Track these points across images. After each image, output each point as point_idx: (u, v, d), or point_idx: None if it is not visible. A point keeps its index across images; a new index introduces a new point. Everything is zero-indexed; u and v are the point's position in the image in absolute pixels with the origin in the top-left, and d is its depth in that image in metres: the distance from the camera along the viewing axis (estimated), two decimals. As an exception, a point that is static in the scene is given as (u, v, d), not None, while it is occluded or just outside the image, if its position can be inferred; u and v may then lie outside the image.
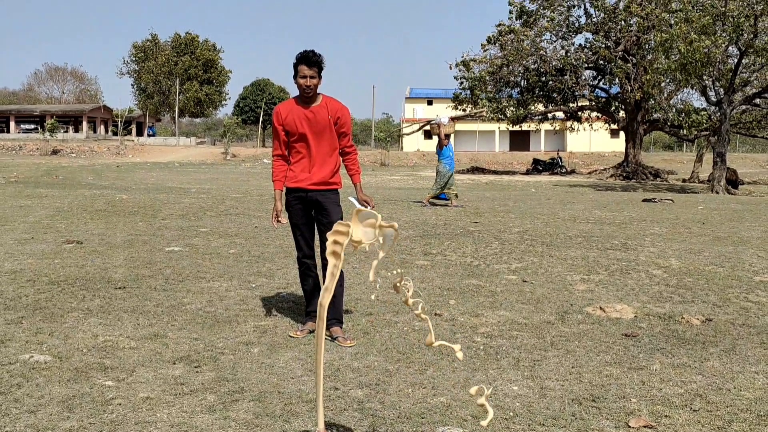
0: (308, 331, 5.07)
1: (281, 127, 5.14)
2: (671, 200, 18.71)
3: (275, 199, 5.25)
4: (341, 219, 5.36)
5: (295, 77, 5.02)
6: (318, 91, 5.10)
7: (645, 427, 3.51)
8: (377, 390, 4.01)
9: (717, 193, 23.32)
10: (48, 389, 3.89)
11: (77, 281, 6.58)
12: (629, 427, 3.51)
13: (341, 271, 5.40)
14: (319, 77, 5.03)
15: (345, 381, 4.14)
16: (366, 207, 5.42)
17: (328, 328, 4.95)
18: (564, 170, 39.23)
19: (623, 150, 37.89)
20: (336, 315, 5.09)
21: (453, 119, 18.96)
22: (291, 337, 4.99)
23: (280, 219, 5.25)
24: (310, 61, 4.95)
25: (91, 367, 4.28)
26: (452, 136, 15.19)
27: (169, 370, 4.28)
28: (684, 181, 32.60)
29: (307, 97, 5.05)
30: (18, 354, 4.47)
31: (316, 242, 5.25)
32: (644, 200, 18.74)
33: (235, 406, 3.73)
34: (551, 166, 39.55)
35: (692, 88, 27.75)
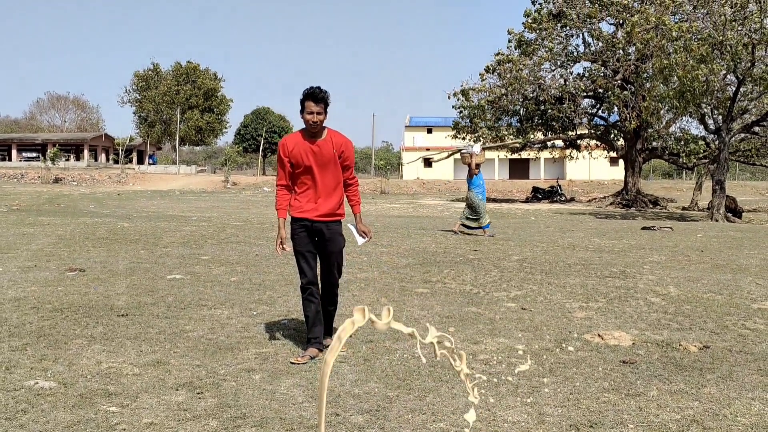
0: (309, 357, 5.13)
1: (287, 159, 5.26)
2: (670, 228, 18.79)
3: (279, 227, 5.36)
4: (343, 247, 5.48)
5: (302, 112, 5.15)
6: (323, 124, 5.24)
7: (642, 452, 3.56)
8: (377, 416, 4.06)
9: (716, 221, 23.41)
10: (53, 415, 3.95)
11: (80, 308, 6.64)
12: (626, 452, 3.56)
13: (336, 295, 5.58)
14: (325, 113, 5.16)
15: (345, 407, 4.19)
16: (364, 237, 5.57)
17: (321, 343, 5.35)
18: (563, 198, 39.38)
19: (622, 178, 38.08)
20: (327, 330, 5.54)
21: (484, 148, 18.79)
22: (292, 363, 5.05)
23: (284, 246, 5.33)
24: (317, 97, 5.10)
25: (95, 393, 4.33)
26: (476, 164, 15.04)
27: (172, 396, 4.33)
28: (683, 209, 32.73)
29: (313, 132, 5.19)
30: (23, 380, 4.52)
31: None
32: (643, 228, 18.82)
33: (238, 431, 3.78)
34: (551, 194, 39.70)
35: (690, 116, 27.99)
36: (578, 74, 36.07)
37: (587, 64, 36.19)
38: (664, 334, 6.13)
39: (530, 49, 34.98)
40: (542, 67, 35.05)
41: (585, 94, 35.64)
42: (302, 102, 5.14)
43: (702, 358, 5.35)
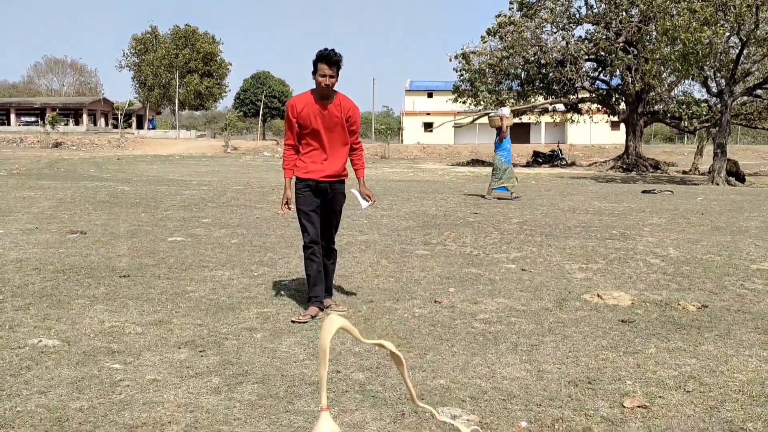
0: (310, 316, 5.16)
1: (295, 120, 5.26)
2: (671, 191, 18.79)
3: (285, 187, 5.37)
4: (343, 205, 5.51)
5: (314, 74, 5.13)
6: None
7: (639, 407, 3.60)
8: (378, 373, 4.10)
9: (717, 184, 23.40)
10: (57, 372, 3.99)
11: (82, 270, 6.68)
12: (624, 407, 3.61)
13: (335, 250, 5.60)
14: (337, 76, 5.14)
15: (346, 365, 4.24)
16: (368, 201, 5.57)
17: (322, 302, 5.39)
18: (564, 162, 39.31)
19: (623, 142, 37.95)
20: (328, 289, 5.55)
21: (512, 112, 18.53)
22: (293, 322, 5.09)
23: (290, 206, 5.36)
24: (330, 60, 5.07)
25: (98, 351, 4.38)
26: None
27: (175, 354, 4.37)
28: (684, 173, 32.69)
29: (324, 94, 5.17)
30: (27, 338, 4.56)
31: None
32: (644, 191, 18.82)
33: (240, 388, 3.83)
34: (551, 159, 39.62)
35: (693, 79, 27.81)
36: (580, 37, 35.76)
37: (589, 26, 35.86)
38: (663, 294, 6.16)
39: (532, 11, 34.62)
40: (544, 29, 34.75)
41: (587, 57, 35.36)
42: (315, 63, 5.11)
43: (700, 317, 5.39)
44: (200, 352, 4.42)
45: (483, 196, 15.47)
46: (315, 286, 5.34)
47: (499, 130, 15.08)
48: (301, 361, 4.28)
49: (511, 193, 15.28)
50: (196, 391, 3.77)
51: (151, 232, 9.08)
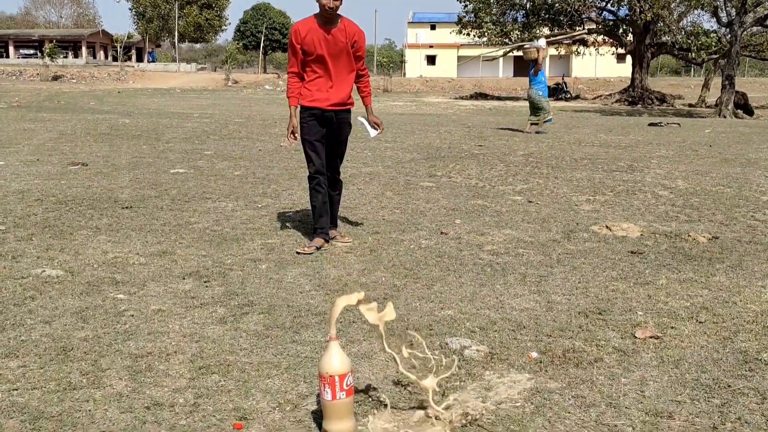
0: (315, 247, 5.10)
1: (299, 46, 5.07)
2: (678, 124, 18.56)
3: (290, 116, 5.22)
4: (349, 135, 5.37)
5: None
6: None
7: (651, 337, 3.55)
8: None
9: (724, 117, 23.11)
10: (61, 302, 3.94)
11: (84, 201, 6.60)
12: (635, 337, 3.56)
13: (340, 181, 5.49)
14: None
15: (353, 295, 4.18)
16: (376, 129, 5.43)
17: (327, 233, 5.30)
18: (568, 96, 38.81)
19: (629, 75, 37.39)
20: (333, 221, 5.44)
21: (548, 43, 17.98)
22: (298, 253, 5.03)
23: (296, 135, 5.22)
24: None
25: (102, 281, 4.33)
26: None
27: (179, 284, 4.32)
28: (691, 106, 32.28)
29: (328, 17, 4.97)
30: (30, 269, 4.51)
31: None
32: (650, 124, 18.59)
33: (245, 318, 3.78)
34: (555, 92, 39.03)
35: (703, 8, 27.20)
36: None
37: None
38: (673, 225, 6.08)
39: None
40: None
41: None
42: None
43: (711, 249, 5.32)
44: (205, 282, 4.37)
45: (529, 130, 15.01)
46: (320, 218, 5.25)
47: (535, 62, 14.68)
48: (306, 292, 4.22)
49: (539, 125, 14.93)
50: (202, 321, 3.73)
51: (153, 164, 8.97)
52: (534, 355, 3.33)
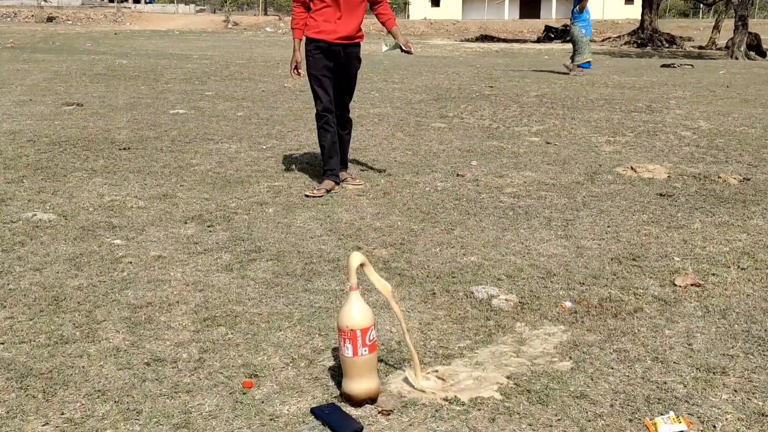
0: (325, 190, 4.79)
1: None
2: (691, 65, 18.05)
3: (294, 49, 4.84)
4: (358, 70, 4.99)
5: None
6: None
7: (692, 285, 3.28)
8: (403, 249, 3.77)
9: (736, 58, 22.53)
10: (53, 247, 3.66)
11: (79, 142, 6.27)
12: (675, 285, 3.28)
13: (350, 119, 5.13)
14: None
15: (368, 240, 3.90)
16: (409, 52, 4.91)
17: (337, 175, 5.00)
18: (577, 38, 37.95)
19: (637, 17, 36.56)
20: (343, 161, 5.14)
21: None
22: (307, 196, 4.73)
23: (299, 71, 4.86)
24: None
25: (98, 225, 4.04)
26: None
27: (181, 229, 4.04)
28: (701, 48, 31.54)
29: None
30: (20, 212, 4.22)
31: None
32: (663, 65, 18.07)
33: (253, 265, 3.51)
34: (564, 34, 38.23)
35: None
36: None
37: None
38: (700, 167, 5.77)
39: None
40: None
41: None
42: None
43: (743, 190, 5.02)
44: (208, 227, 4.08)
45: (566, 72, 14.47)
46: (330, 158, 4.93)
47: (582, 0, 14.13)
48: (318, 237, 3.94)
49: (582, 69, 14.39)
50: (206, 268, 3.45)
51: (151, 105, 8.61)
52: (568, 304, 3.06)
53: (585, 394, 2.35)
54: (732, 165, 5.85)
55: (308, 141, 6.52)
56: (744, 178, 5.34)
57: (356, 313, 2.25)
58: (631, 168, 5.60)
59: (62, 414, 2.22)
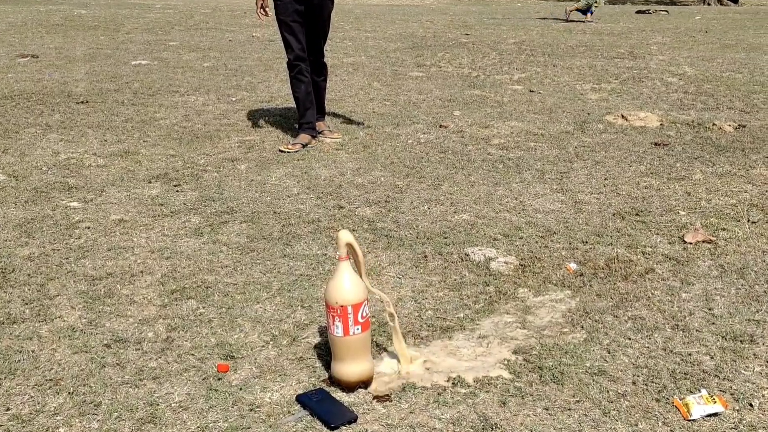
0: (301, 144, 4.46)
1: None
2: (666, 11, 17.75)
3: None
4: (331, 12, 4.61)
5: None
6: None
7: (704, 242, 3.03)
8: (388, 208, 3.47)
9: (709, 4, 22.26)
10: (1, 212, 3.31)
11: (33, 95, 5.84)
12: (685, 242, 3.03)
13: (325, 65, 4.78)
14: None
15: (349, 199, 3.59)
16: None
17: (314, 128, 4.65)
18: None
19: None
20: (320, 110, 4.80)
21: None
22: (282, 151, 4.39)
23: (266, 10, 4.47)
24: None
25: (52, 186, 3.68)
26: None
27: (145, 189, 3.70)
28: (673, -6, 31.18)
29: None
30: (-35, 174, 3.85)
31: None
32: (638, 12, 17.74)
33: (225, 228, 3.19)
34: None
35: None
36: None
37: None
38: (692, 114, 5.51)
39: None
40: None
41: None
42: None
43: (741, 138, 4.77)
44: (175, 186, 3.75)
45: (583, 21, 14.01)
46: (306, 110, 4.57)
47: None
48: (295, 196, 3.62)
49: (567, 12, 13.98)
50: (173, 233, 3.13)
51: (112, 56, 8.13)
52: (573, 266, 2.80)
53: (603, 370, 2.10)
54: (724, 111, 5.61)
55: (280, 92, 6.15)
56: (739, 125, 5.10)
57: (347, 286, 1.95)
58: (622, 116, 5.33)
59: (7, 410, 1.91)
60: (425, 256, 2.91)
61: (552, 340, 2.27)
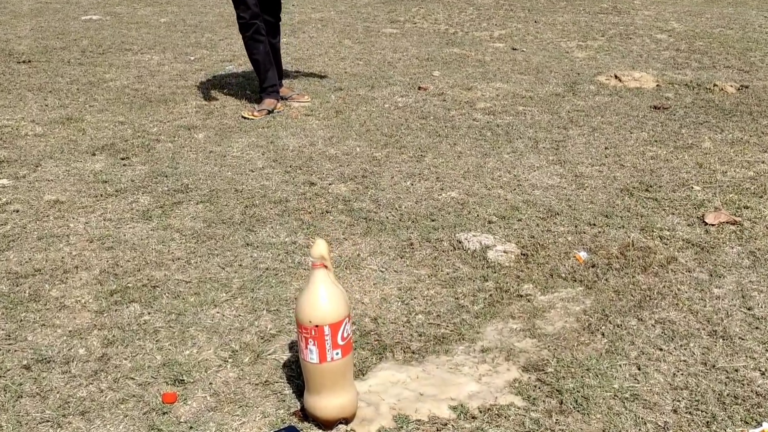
0: (266, 110, 4.00)
1: None
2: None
3: None
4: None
5: None
6: None
7: (727, 223, 2.66)
8: (365, 184, 3.05)
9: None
10: None
11: (-32, 55, 5.29)
12: (706, 224, 2.66)
13: (279, 26, 4.30)
14: None
15: (321, 173, 3.16)
16: None
17: (278, 92, 4.17)
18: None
19: None
20: (280, 75, 4.34)
21: None
22: (245, 118, 3.93)
23: None
24: None
25: (-23, 162, 3.21)
26: None
27: (87, 163, 3.23)
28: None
29: None
30: None
31: None
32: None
33: (179, 210, 2.75)
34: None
35: None
36: None
37: None
38: (688, 73, 5.13)
39: None
40: None
41: None
42: None
43: (745, 101, 4.40)
44: (122, 159, 3.29)
45: None
46: (267, 72, 4.10)
47: None
48: (259, 170, 3.19)
49: None
50: (117, 217, 2.69)
51: (60, 10, 7.51)
52: (583, 255, 2.42)
53: (636, 394, 1.73)
54: (722, 71, 5.23)
55: (244, 51, 5.62)
56: (741, 86, 4.73)
57: (323, 301, 1.54)
58: (615, 76, 4.92)
59: None
60: (411, 244, 2.51)
61: (569, 353, 1.89)
